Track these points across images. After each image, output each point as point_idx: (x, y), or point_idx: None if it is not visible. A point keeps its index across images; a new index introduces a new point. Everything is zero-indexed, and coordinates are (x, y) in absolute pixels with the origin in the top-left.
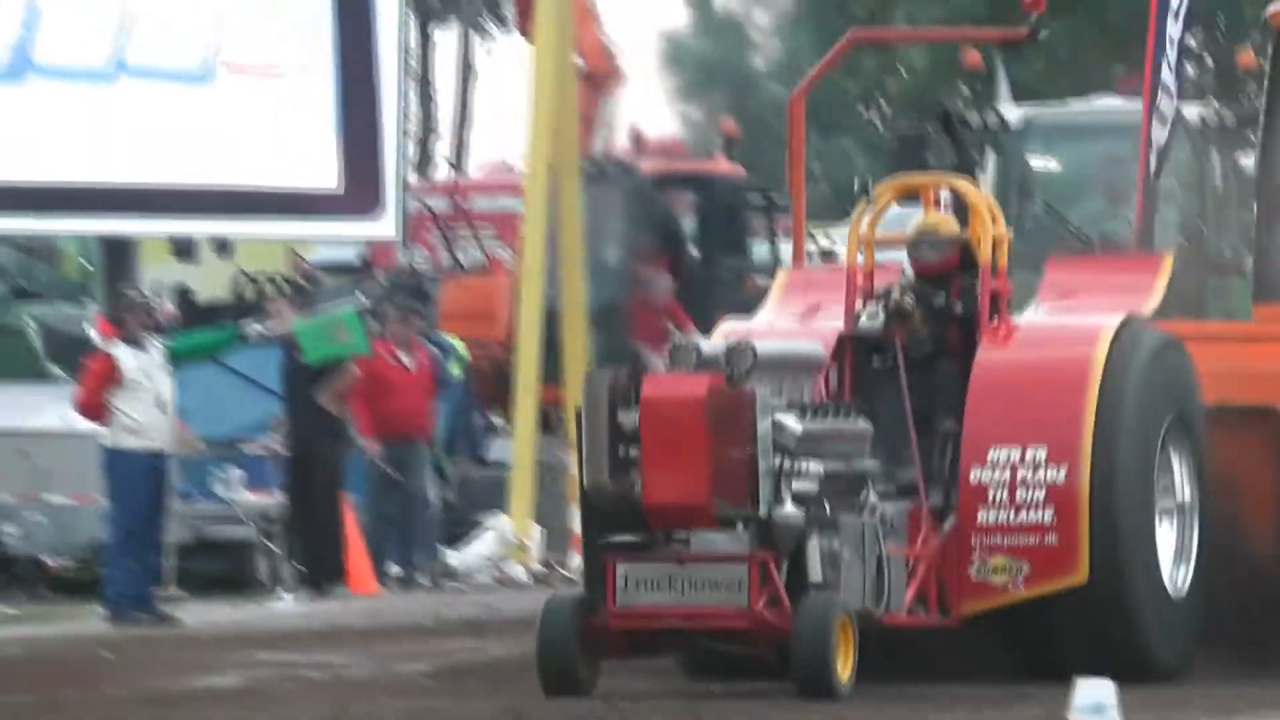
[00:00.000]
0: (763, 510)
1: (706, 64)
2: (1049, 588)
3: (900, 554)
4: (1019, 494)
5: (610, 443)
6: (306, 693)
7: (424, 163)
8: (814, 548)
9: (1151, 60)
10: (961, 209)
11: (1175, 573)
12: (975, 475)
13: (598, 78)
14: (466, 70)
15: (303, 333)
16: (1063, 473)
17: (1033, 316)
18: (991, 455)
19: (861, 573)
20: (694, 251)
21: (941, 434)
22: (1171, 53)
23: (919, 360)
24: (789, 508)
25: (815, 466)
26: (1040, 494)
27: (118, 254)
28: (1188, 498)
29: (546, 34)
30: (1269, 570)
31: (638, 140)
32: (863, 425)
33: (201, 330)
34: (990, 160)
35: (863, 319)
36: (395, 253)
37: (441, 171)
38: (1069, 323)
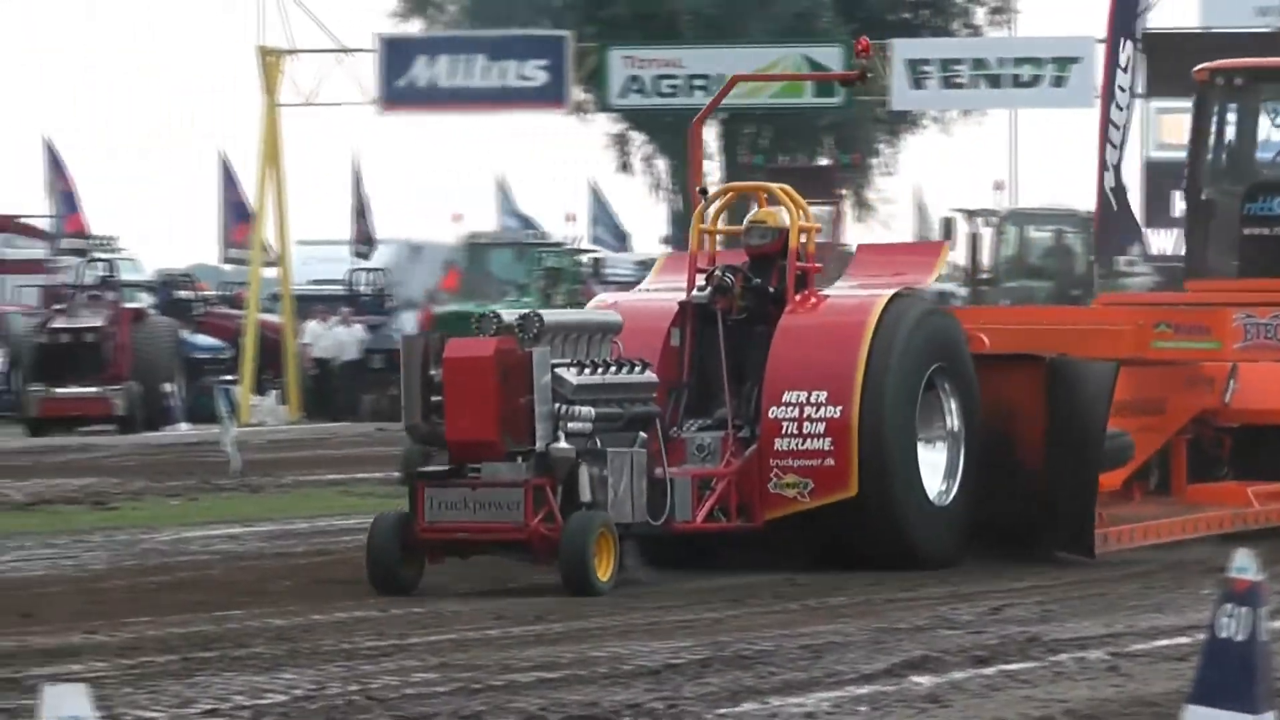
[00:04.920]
0: (540, 445)
1: None
2: (828, 499)
3: (704, 473)
4: (805, 427)
5: (422, 393)
6: None
7: None
8: (584, 474)
9: None
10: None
11: (942, 486)
12: (773, 413)
13: None
14: None
15: None
16: (839, 411)
17: (838, 289)
18: (786, 397)
19: (631, 493)
20: None
21: (750, 381)
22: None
23: (738, 324)
24: (563, 443)
25: (588, 410)
26: (821, 427)
27: None
28: (957, 427)
29: None
30: (1037, 478)
31: None
32: (648, 377)
33: None
34: None
35: (695, 291)
36: None
37: None
38: (857, 295)
